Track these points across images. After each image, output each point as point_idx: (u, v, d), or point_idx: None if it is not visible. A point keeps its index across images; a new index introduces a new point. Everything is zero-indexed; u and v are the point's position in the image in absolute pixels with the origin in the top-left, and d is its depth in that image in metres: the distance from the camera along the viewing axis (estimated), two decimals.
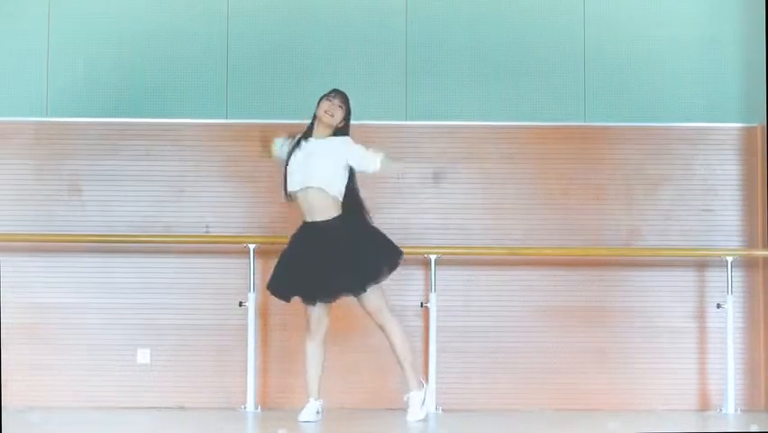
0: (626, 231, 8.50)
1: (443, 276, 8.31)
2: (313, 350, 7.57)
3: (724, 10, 8.66)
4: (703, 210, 8.53)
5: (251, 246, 8.23)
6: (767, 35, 8.46)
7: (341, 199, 7.56)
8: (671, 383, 8.42)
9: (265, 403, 8.24)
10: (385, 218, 8.36)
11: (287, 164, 7.59)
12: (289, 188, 7.57)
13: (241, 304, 8.22)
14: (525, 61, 8.61)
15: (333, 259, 7.45)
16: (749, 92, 8.58)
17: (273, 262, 8.28)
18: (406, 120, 8.53)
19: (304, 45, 8.58)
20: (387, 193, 8.45)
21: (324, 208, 7.52)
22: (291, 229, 8.29)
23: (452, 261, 8.38)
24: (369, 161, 7.55)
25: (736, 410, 8.23)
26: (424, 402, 7.61)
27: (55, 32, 8.54)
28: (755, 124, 8.56)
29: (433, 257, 8.25)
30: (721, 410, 8.26)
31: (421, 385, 7.63)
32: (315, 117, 7.64)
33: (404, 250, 8.26)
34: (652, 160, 8.54)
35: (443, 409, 8.17)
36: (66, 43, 8.54)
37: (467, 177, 8.52)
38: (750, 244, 8.50)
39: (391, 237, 8.28)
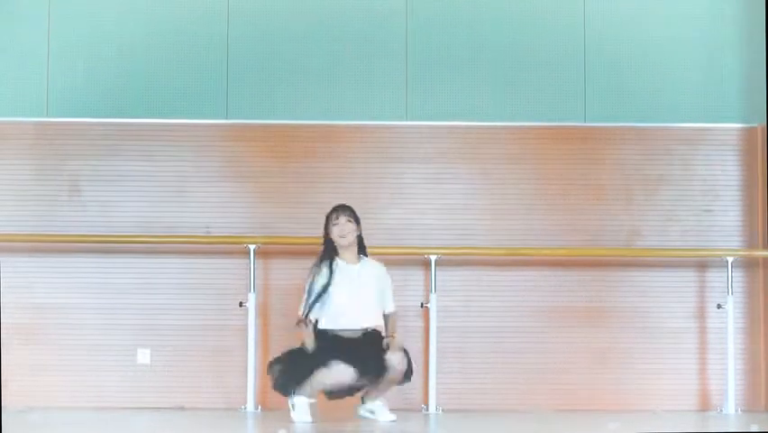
0: (626, 231, 8.50)
1: (443, 277, 8.30)
2: None
3: (724, 10, 8.66)
4: (703, 211, 8.53)
5: (252, 247, 8.23)
6: (767, 35, 8.45)
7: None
8: (671, 384, 8.42)
9: (265, 404, 8.22)
10: (385, 218, 8.37)
11: (322, 292, 7.57)
12: (337, 328, 7.55)
13: (241, 304, 8.21)
14: (525, 62, 8.61)
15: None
16: (749, 92, 8.57)
17: (273, 263, 8.32)
18: (406, 120, 8.53)
19: (304, 45, 8.57)
20: (387, 193, 8.44)
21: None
22: (291, 230, 8.32)
23: (452, 261, 8.37)
24: (391, 304, 7.68)
25: (736, 411, 8.23)
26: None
27: (55, 32, 8.54)
28: (755, 125, 8.56)
29: (433, 257, 8.24)
30: (721, 411, 8.26)
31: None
32: (327, 239, 7.62)
33: (405, 250, 8.30)
34: (652, 160, 8.54)
35: (442, 410, 8.17)
36: (66, 44, 8.54)
37: (467, 177, 8.52)
38: (750, 244, 8.50)
39: (391, 237, 8.32)
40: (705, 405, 8.39)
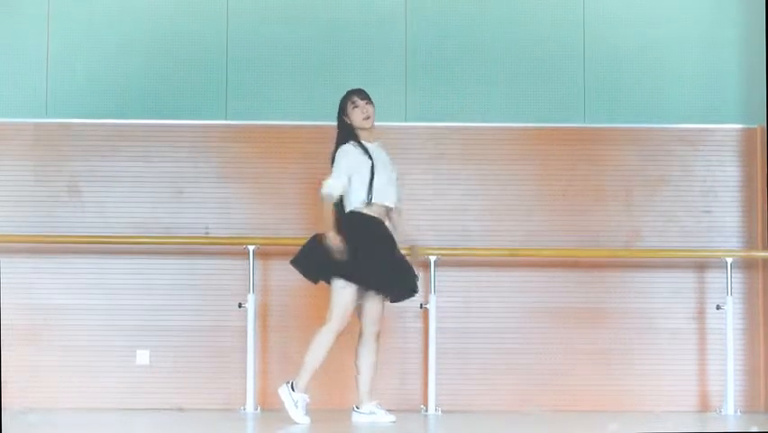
0: (625, 232, 8.50)
1: (442, 277, 8.30)
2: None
3: (724, 11, 8.66)
4: (703, 211, 8.53)
5: (251, 248, 8.23)
6: (767, 36, 8.45)
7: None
8: (670, 384, 8.42)
9: (265, 404, 8.23)
10: None
11: (372, 172, 7.48)
12: (386, 202, 7.52)
13: (240, 305, 8.21)
14: (524, 62, 8.61)
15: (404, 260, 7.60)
16: (749, 93, 8.57)
17: (273, 264, 8.33)
18: (405, 121, 8.52)
19: (303, 47, 8.57)
20: None
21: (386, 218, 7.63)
22: (291, 231, 8.33)
23: (451, 262, 8.37)
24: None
25: (735, 412, 8.23)
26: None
27: (55, 33, 8.54)
28: (755, 126, 8.56)
29: (432, 258, 8.24)
30: (721, 411, 8.26)
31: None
32: (345, 120, 7.57)
33: (404, 251, 8.28)
34: (651, 161, 8.54)
35: (442, 411, 8.16)
36: (65, 44, 8.54)
37: (466, 178, 8.52)
38: (750, 245, 8.50)
39: None
40: (704, 406, 8.39)
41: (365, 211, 7.49)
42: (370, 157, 7.49)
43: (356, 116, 7.55)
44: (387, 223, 7.57)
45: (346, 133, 7.58)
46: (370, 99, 7.59)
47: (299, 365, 7.46)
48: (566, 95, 8.58)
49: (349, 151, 7.52)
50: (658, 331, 8.45)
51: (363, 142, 7.55)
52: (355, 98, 7.57)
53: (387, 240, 7.53)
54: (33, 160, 8.46)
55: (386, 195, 7.52)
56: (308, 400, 7.46)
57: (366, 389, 7.55)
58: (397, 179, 7.64)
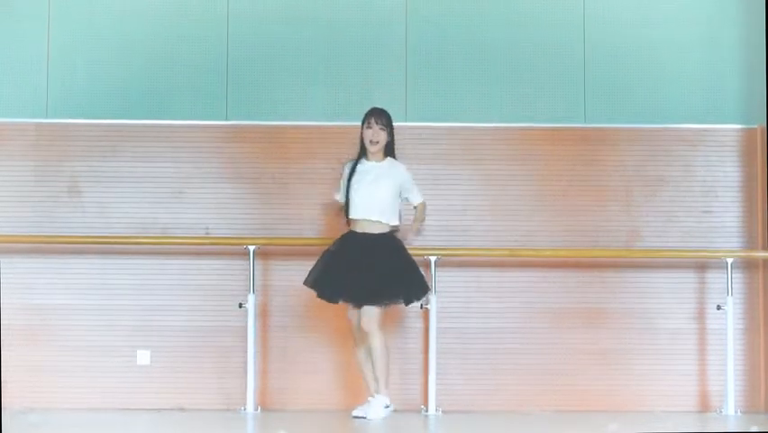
0: (626, 232, 8.50)
1: (443, 277, 8.30)
2: (362, 354, 7.81)
3: (724, 11, 8.66)
4: (703, 212, 8.53)
5: (251, 248, 8.23)
6: (767, 36, 8.45)
7: (393, 223, 7.87)
8: (671, 385, 8.42)
9: (265, 405, 8.23)
10: None
11: (348, 190, 7.82)
12: (351, 216, 7.81)
13: (240, 305, 8.21)
14: (525, 62, 8.61)
15: (383, 267, 7.74)
16: (749, 93, 8.57)
17: (273, 264, 8.34)
18: (406, 121, 8.52)
19: (304, 47, 8.57)
20: None
21: (379, 229, 7.79)
22: (291, 231, 8.34)
23: (452, 262, 8.37)
24: (416, 196, 7.97)
25: (735, 412, 8.22)
26: (386, 408, 7.70)
27: (55, 33, 8.55)
28: (755, 126, 8.55)
29: (433, 258, 8.24)
30: (721, 412, 8.26)
31: (387, 398, 7.69)
32: (361, 133, 7.90)
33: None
34: (652, 161, 8.54)
35: (443, 411, 8.16)
36: (66, 45, 8.54)
37: (467, 178, 8.52)
38: (750, 245, 8.50)
39: None
40: (705, 406, 8.39)
41: (351, 228, 7.85)
42: (350, 175, 7.83)
43: (365, 136, 7.88)
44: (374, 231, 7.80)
45: (360, 145, 7.92)
46: (386, 125, 7.88)
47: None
48: (566, 95, 8.58)
49: (343, 171, 7.91)
50: (658, 331, 8.45)
51: (365, 159, 7.86)
52: (371, 120, 7.89)
53: (350, 251, 7.74)
54: (34, 160, 8.47)
55: (361, 210, 7.76)
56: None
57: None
58: (402, 189, 7.88)
